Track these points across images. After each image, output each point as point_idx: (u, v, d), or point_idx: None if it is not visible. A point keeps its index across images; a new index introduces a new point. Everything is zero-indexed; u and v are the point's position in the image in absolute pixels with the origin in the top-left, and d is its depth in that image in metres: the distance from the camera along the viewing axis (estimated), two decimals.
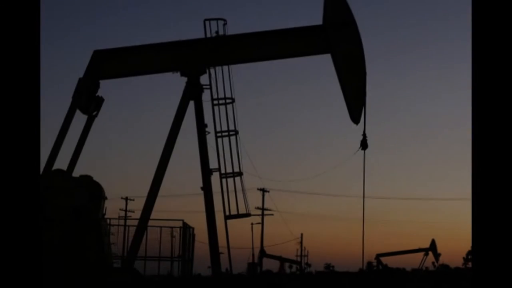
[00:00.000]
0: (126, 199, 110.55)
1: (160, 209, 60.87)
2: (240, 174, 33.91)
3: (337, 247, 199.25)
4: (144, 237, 32.63)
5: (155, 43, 35.20)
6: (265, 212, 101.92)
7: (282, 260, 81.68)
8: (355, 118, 32.65)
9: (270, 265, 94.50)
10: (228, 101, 33.99)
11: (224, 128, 33.90)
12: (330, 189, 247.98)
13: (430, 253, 77.77)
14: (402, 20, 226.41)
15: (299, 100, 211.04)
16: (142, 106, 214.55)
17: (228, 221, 33.72)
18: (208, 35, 33.85)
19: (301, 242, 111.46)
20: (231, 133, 33.88)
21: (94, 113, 36.37)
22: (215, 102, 34.01)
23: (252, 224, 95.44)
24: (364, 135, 32.82)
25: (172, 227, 33.13)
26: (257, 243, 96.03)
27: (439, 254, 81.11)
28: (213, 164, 35.12)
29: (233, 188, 33.60)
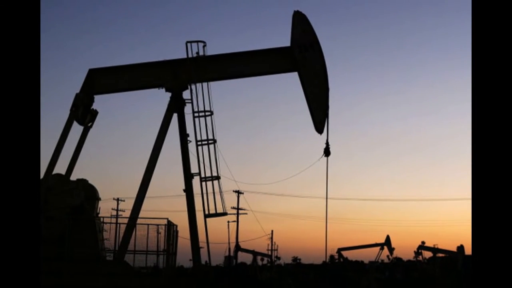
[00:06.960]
0: (118, 200, 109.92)
1: (147, 209, 60.73)
2: (218, 178, 33.81)
3: (303, 242, 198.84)
4: (133, 233, 32.47)
5: (143, 63, 35.10)
6: (240, 211, 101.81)
7: (255, 253, 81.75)
8: (319, 129, 32.73)
9: (244, 258, 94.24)
10: (207, 113, 33.91)
11: (204, 137, 33.80)
12: (297, 191, 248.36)
13: (385, 247, 78.21)
14: (359, 37, 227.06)
15: (270, 112, 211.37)
16: (132, 118, 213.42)
17: (208, 220, 33.60)
18: (190, 55, 33.86)
19: (271, 238, 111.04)
20: (210, 141, 33.79)
21: (90, 124, 36.25)
22: (196, 114, 33.90)
23: (228, 222, 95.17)
24: (327, 143, 32.94)
25: (158, 225, 32.94)
26: (233, 239, 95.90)
27: (393, 248, 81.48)
28: (194, 169, 35.10)
29: (212, 190, 33.49)
